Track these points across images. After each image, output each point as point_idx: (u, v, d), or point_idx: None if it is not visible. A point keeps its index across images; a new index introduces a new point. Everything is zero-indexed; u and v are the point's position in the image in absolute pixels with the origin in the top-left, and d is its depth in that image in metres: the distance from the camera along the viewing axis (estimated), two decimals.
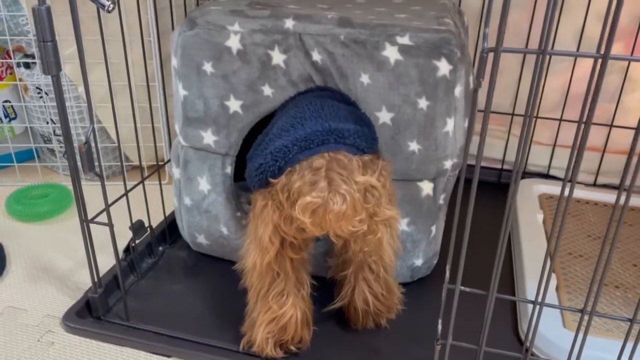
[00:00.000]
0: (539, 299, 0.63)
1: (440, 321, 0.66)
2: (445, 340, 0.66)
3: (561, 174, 1.28)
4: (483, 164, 1.31)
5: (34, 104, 1.22)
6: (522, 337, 0.82)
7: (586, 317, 0.62)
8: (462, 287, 0.63)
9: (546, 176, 1.28)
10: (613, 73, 1.14)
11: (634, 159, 0.54)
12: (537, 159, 1.27)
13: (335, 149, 0.67)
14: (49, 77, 0.69)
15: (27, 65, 1.18)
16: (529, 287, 0.89)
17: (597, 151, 1.22)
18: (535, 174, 1.28)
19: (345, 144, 0.68)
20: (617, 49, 1.13)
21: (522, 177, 1.25)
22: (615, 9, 0.45)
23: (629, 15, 1.10)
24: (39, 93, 1.19)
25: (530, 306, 0.83)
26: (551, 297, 0.86)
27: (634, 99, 1.17)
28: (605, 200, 1.17)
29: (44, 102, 1.20)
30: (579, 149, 0.53)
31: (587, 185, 1.23)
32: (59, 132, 1.23)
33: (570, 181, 0.57)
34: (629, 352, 0.62)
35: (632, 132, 1.19)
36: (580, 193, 1.20)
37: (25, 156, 1.30)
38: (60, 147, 1.26)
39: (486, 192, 1.05)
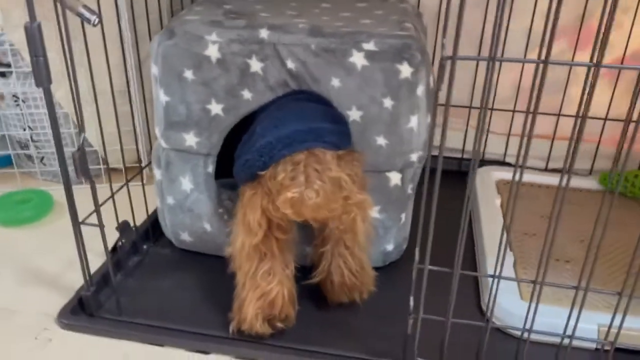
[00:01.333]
0: (497, 274, 0.72)
1: (412, 297, 0.75)
2: (417, 315, 0.74)
3: (515, 161, 1.39)
4: (445, 154, 1.40)
5: (10, 112, 1.24)
6: (484, 309, 0.91)
7: (538, 288, 0.72)
8: (430, 266, 0.71)
9: (502, 163, 1.38)
10: (560, 67, 1.25)
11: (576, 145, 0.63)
12: (494, 147, 1.38)
13: (313, 146, 0.75)
14: (25, 85, 0.73)
15: (2, 74, 1.20)
16: (489, 264, 0.98)
17: (547, 138, 1.33)
18: (492, 162, 1.38)
19: (322, 141, 0.77)
20: (560, 45, 1.24)
21: (481, 165, 1.35)
22: (553, 16, 0.53)
23: (573, 13, 1.20)
24: (15, 101, 1.22)
25: (490, 280, 0.92)
26: (509, 272, 0.96)
27: (578, 90, 1.28)
28: (556, 183, 1.28)
29: (21, 110, 1.22)
30: (528, 137, 0.61)
31: (539, 170, 1.34)
32: (36, 138, 1.26)
33: (520, 166, 0.66)
34: (575, 317, 0.72)
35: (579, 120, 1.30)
36: (533, 177, 1.31)
37: (3, 162, 1.32)
38: (38, 152, 1.28)
39: (449, 180, 1.14)
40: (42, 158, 1.29)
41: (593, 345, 0.82)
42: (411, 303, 0.75)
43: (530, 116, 0.61)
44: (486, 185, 1.27)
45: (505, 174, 1.31)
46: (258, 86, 0.87)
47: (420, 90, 0.87)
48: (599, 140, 1.30)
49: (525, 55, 1.26)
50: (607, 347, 0.75)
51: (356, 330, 0.88)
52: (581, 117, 0.60)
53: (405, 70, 0.85)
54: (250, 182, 0.79)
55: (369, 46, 0.85)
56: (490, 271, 0.94)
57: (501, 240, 0.71)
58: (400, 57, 0.84)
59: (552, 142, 1.33)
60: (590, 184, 1.29)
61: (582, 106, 0.60)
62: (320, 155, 0.75)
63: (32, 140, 1.26)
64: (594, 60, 0.58)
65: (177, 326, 0.87)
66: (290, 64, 0.86)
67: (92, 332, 0.87)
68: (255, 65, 0.86)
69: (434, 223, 0.67)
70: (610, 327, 0.72)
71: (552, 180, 1.29)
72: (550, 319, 0.81)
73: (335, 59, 0.85)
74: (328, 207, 0.75)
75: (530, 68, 1.28)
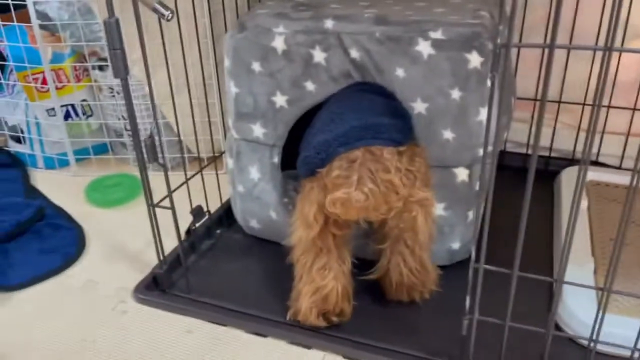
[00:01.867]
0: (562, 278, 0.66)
1: (467, 298, 0.71)
2: (472, 315, 0.71)
3: (609, 161, 1.27)
4: (524, 150, 1.32)
5: (108, 102, 1.35)
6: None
7: (606, 295, 0.66)
8: (486, 266, 0.68)
9: (594, 163, 1.27)
10: None
11: None
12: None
13: (371, 143, 0.74)
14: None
15: (100, 68, 1.32)
16: (567, 270, 0.91)
17: None
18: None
19: (380, 138, 0.75)
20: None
21: (570, 164, 1.26)
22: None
23: None
24: (111, 92, 1.33)
25: (565, 288, 0.86)
26: (588, 279, 0.88)
27: None
28: None
29: (116, 101, 1.33)
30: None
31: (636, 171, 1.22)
32: (129, 127, 1.36)
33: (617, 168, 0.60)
34: None
35: None
36: (628, 180, 1.19)
37: (101, 149, 1.45)
38: (131, 141, 1.39)
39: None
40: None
41: None
42: (467, 303, 0.71)
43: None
44: (573, 186, 1.17)
45: (596, 175, 1.20)
46: (321, 77, 0.88)
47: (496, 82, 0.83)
48: None
49: (620, 54, 1.14)
50: None
51: (414, 327, 0.86)
52: None
53: (475, 59, 0.81)
54: (310, 176, 0.80)
55: (437, 34, 0.82)
56: (567, 277, 0.88)
57: (565, 242, 0.65)
58: (469, 45, 0.81)
59: None
60: None
61: None
62: (377, 153, 0.74)
63: (126, 129, 1.37)
64: None
65: (240, 308, 0.90)
66: (354, 53, 0.85)
67: (163, 307, 0.93)
68: (319, 55, 0.87)
69: (504, 223, 0.64)
70: None
71: None
72: (627, 332, 0.74)
73: (399, 47, 0.83)
74: (378, 210, 0.74)
75: (627, 60, 1.17)
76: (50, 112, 1.36)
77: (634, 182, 0.59)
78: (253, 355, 0.82)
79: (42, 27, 1.27)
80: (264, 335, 0.86)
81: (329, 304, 0.83)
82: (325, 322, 0.84)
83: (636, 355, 0.67)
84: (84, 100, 1.39)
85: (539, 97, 1.25)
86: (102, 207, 1.25)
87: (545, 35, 1.18)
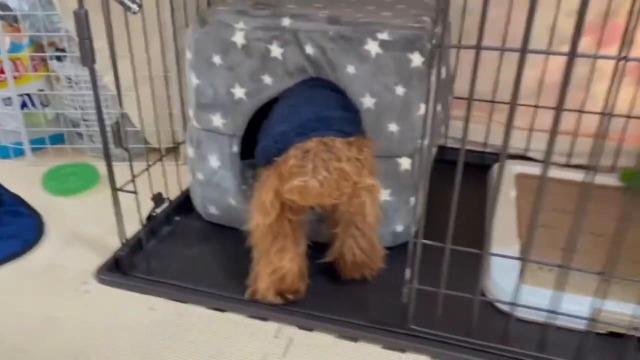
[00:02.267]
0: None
1: (407, 269, 0.81)
2: (411, 284, 0.80)
3: (538, 156, 1.41)
4: (467, 147, 1.44)
5: (65, 92, 1.37)
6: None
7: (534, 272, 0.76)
8: (424, 240, 0.77)
9: (524, 158, 1.41)
10: (583, 64, 1.26)
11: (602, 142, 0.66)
12: (515, 142, 1.40)
13: (323, 134, 0.82)
14: (77, 69, 0.83)
15: (58, 58, 1.34)
16: (495, 249, 1.02)
17: (570, 134, 1.34)
18: (513, 156, 1.41)
19: (332, 129, 0.83)
20: (585, 42, 1.25)
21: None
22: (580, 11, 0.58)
23: (597, 10, 1.22)
24: (69, 83, 1.35)
25: (493, 263, 0.97)
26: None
27: (601, 87, 1.29)
28: (576, 179, 1.30)
29: (73, 91, 1.35)
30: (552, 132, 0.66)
31: (560, 165, 1.36)
32: (86, 117, 1.38)
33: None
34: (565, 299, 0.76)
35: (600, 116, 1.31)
36: (554, 173, 1.32)
37: (57, 139, 1.46)
38: (88, 130, 1.41)
39: (469, 172, 1.19)
40: (92, 136, 1.42)
41: (580, 326, 0.85)
42: (407, 274, 0.81)
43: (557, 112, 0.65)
44: (505, 178, 1.30)
45: (525, 168, 1.33)
46: (278, 71, 0.95)
47: (431, 79, 0.92)
48: (623, 138, 1.30)
49: (547, 57, 1.28)
50: (592, 329, 0.79)
51: (362, 301, 0.95)
52: (608, 115, 0.64)
53: (417, 59, 0.90)
54: (267, 165, 0.86)
55: (384, 36, 0.91)
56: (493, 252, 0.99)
57: (489, 219, 0.75)
58: (412, 46, 0.90)
59: (575, 138, 1.34)
60: (610, 180, 1.30)
61: (609, 103, 0.63)
62: (330, 143, 0.81)
63: (83, 120, 1.39)
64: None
65: (199, 287, 0.96)
66: (309, 49, 0.93)
67: (124, 287, 0.97)
68: (276, 50, 0.94)
69: (443, 209, 0.73)
70: (596, 309, 0.76)
71: (573, 175, 1.31)
72: (544, 301, 0.85)
73: (351, 46, 0.91)
74: (331, 195, 0.81)
75: (553, 64, 1.30)
76: (7, 101, 1.36)
77: (545, 173, 0.69)
78: (214, 328, 0.88)
79: (1, 17, 1.28)
80: (223, 310, 0.92)
81: (285, 283, 0.90)
82: (282, 300, 0.91)
83: (550, 320, 0.78)
84: (41, 90, 1.40)
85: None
86: (59, 196, 1.27)
87: (478, 41, 1.29)
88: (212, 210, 1.12)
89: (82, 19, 0.80)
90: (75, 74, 1.32)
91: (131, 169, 0.92)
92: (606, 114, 0.61)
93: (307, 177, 0.78)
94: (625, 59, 0.61)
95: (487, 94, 1.37)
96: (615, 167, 1.34)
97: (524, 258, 0.76)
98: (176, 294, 0.95)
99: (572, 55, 0.62)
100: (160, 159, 1.07)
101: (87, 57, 0.83)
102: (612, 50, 1.25)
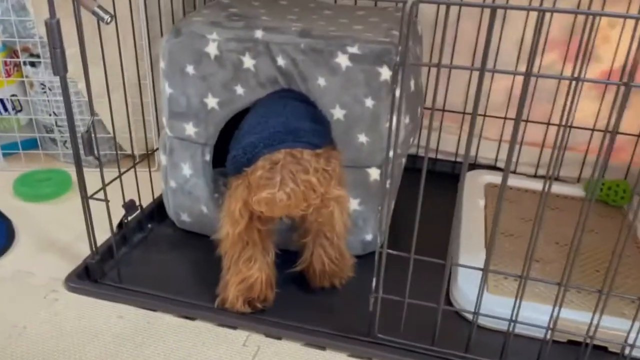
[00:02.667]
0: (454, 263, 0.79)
1: (374, 279, 0.82)
2: (377, 294, 0.82)
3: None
4: (439, 156, 1.47)
5: (39, 98, 1.36)
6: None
7: (498, 282, 0.78)
8: (389, 250, 0.79)
9: (493, 167, 1.44)
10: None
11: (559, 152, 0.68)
12: (486, 152, 1.44)
13: (292, 146, 0.83)
14: (51, 74, 0.83)
15: (32, 64, 1.33)
16: (462, 258, 1.05)
17: (537, 146, 1.38)
18: (484, 166, 1.44)
19: (300, 141, 0.84)
20: (551, 57, 1.29)
21: (472, 169, 1.41)
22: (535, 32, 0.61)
23: (564, 26, 1.26)
24: (42, 88, 1.34)
25: (459, 273, 0.99)
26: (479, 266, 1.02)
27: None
28: (541, 188, 1.34)
29: (47, 97, 1.35)
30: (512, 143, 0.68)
31: (527, 175, 1.39)
32: (60, 123, 1.38)
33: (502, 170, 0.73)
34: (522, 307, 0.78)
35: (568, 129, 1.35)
36: (520, 183, 1.36)
37: (30, 144, 1.45)
38: (61, 136, 1.40)
39: (442, 182, 1.22)
40: (65, 142, 1.42)
41: (541, 334, 0.87)
42: (373, 284, 0.82)
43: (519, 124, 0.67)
44: (474, 187, 1.33)
45: (494, 178, 1.36)
46: (250, 82, 0.96)
47: (399, 92, 0.94)
48: (587, 150, 1.35)
49: (516, 67, 1.31)
50: (550, 337, 0.81)
51: (331, 309, 0.96)
52: (564, 126, 0.66)
53: (385, 72, 0.93)
54: (237, 174, 0.87)
55: (354, 49, 0.93)
56: (461, 261, 1.01)
57: (454, 229, 0.77)
58: (380, 60, 0.92)
59: (541, 149, 1.38)
60: (575, 191, 1.34)
61: (565, 117, 0.65)
62: (298, 155, 0.83)
63: (57, 125, 1.39)
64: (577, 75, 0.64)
65: (170, 295, 0.96)
66: (281, 61, 0.95)
67: (94, 295, 0.97)
68: (248, 61, 0.95)
69: (413, 217, 0.75)
70: (551, 317, 0.78)
71: (539, 185, 1.34)
72: (507, 310, 0.87)
73: (321, 58, 0.93)
74: (298, 207, 0.82)
75: (521, 78, 1.34)
76: None
77: (504, 182, 0.72)
78: (183, 336, 0.89)
79: None
80: (193, 319, 0.93)
81: (254, 292, 0.91)
82: (251, 309, 0.92)
83: (511, 327, 0.80)
84: (13, 95, 1.39)
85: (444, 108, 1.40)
86: (31, 202, 1.26)
87: (452, 55, 1.33)
88: (185, 217, 1.13)
89: (54, 29, 0.80)
90: (49, 80, 1.32)
91: (102, 177, 0.92)
92: (564, 126, 0.64)
93: (275, 190, 0.80)
94: (578, 79, 0.63)
95: (458, 105, 1.41)
96: (580, 178, 1.38)
97: (484, 269, 0.78)
98: (146, 302, 0.95)
99: (528, 75, 0.64)
100: (133, 167, 1.07)
101: (59, 67, 0.83)
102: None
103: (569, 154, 1.36)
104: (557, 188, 1.32)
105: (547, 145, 1.37)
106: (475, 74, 1.36)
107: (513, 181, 1.36)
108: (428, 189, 0.73)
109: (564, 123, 0.66)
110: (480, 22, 1.30)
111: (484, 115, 1.38)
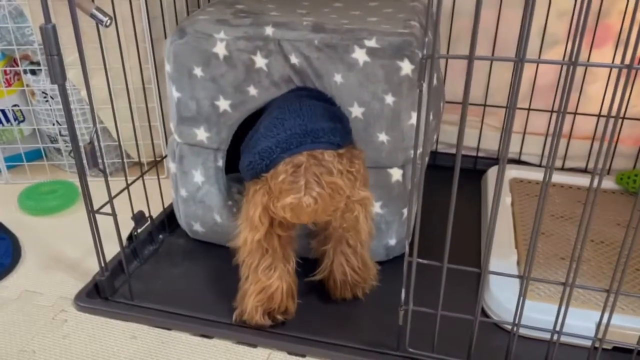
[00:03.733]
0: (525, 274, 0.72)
1: (403, 290, 0.76)
2: (407, 306, 0.76)
3: (531, 160, 1.38)
4: (454, 151, 1.40)
5: (41, 107, 1.31)
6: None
7: (534, 285, 0.72)
8: (419, 259, 0.73)
9: (517, 162, 1.37)
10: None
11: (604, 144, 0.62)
12: (510, 145, 1.37)
13: (311, 148, 0.78)
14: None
15: (33, 72, 1.28)
16: (492, 262, 0.98)
17: (564, 137, 1.31)
18: (508, 160, 1.37)
19: (320, 142, 0.79)
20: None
21: (495, 163, 1.35)
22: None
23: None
24: (45, 97, 1.29)
25: (491, 278, 0.93)
26: (512, 270, 0.96)
27: (594, 89, 1.26)
28: (570, 182, 1.27)
29: (50, 106, 1.30)
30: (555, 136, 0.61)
31: (555, 169, 1.32)
32: (64, 132, 1.33)
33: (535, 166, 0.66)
34: (568, 314, 0.72)
35: (595, 118, 1.28)
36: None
37: (34, 156, 1.40)
38: (66, 146, 1.36)
39: (462, 179, 1.15)
40: (70, 152, 1.36)
41: (588, 343, 0.81)
42: (402, 295, 0.76)
43: (558, 116, 0.61)
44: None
45: (519, 172, 1.29)
46: (263, 82, 0.91)
47: (423, 90, 0.88)
48: (617, 140, 1.28)
49: (539, 55, 1.24)
50: (597, 345, 0.75)
51: (355, 322, 0.90)
52: (614, 117, 0.59)
53: (406, 67, 0.86)
54: (255, 179, 0.82)
55: (371, 43, 0.87)
56: (492, 268, 0.95)
57: (488, 237, 0.71)
58: (401, 54, 0.86)
59: (569, 140, 1.31)
60: (607, 183, 1.26)
61: (614, 107, 0.58)
62: (319, 157, 0.77)
63: (61, 135, 1.34)
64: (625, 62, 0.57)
65: (185, 311, 0.91)
66: (294, 59, 0.89)
67: (105, 314, 0.92)
68: (260, 61, 0.89)
69: (436, 218, 0.69)
70: (599, 324, 0.72)
71: (568, 179, 1.28)
72: (547, 317, 0.81)
73: (337, 54, 0.87)
74: (326, 212, 0.77)
75: (546, 66, 1.27)
76: None
77: (547, 178, 0.65)
78: (199, 357, 0.84)
79: None
80: (210, 337, 0.87)
81: (274, 302, 0.85)
82: (271, 321, 0.86)
83: (555, 337, 0.74)
84: (15, 105, 1.34)
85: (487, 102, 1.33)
86: (37, 216, 1.22)
87: (494, 48, 1.26)
88: (197, 227, 1.07)
89: (49, 35, 0.74)
90: (51, 88, 1.27)
91: (108, 190, 0.87)
92: (611, 117, 0.57)
93: (301, 194, 0.75)
94: (630, 67, 0.57)
95: (478, 97, 1.34)
96: (611, 170, 1.31)
97: (525, 277, 0.72)
98: (159, 320, 0.90)
99: (573, 64, 0.58)
100: (141, 176, 1.02)
101: (57, 75, 0.77)
102: (604, 51, 1.22)
103: (597, 144, 1.29)
104: (586, 181, 1.25)
105: (575, 136, 1.30)
106: (496, 65, 1.29)
107: (538, 175, 1.29)
108: (449, 186, 0.67)
109: (613, 114, 0.59)
110: (500, 11, 1.23)
111: (507, 107, 1.31)
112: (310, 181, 0.75)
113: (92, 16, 0.79)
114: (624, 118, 1.24)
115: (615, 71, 1.21)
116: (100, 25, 0.81)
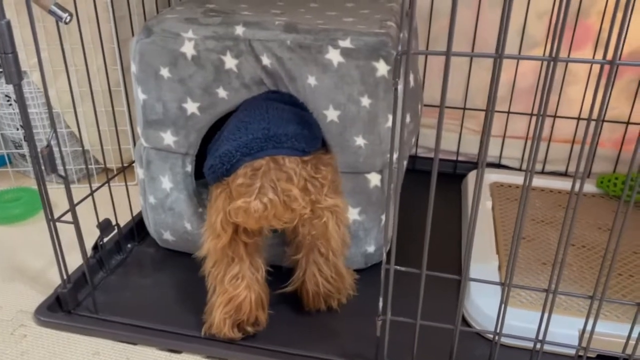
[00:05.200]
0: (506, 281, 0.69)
1: (381, 299, 0.73)
2: (385, 316, 0.73)
3: (511, 163, 1.36)
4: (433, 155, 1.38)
5: (4, 111, 1.25)
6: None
7: (516, 292, 0.69)
8: (396, 267, 0.69)
9: (498, 165, 1.35)
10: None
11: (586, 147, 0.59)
12: (489, 149, 1.35)
13: (273, 153, 0.74)
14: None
15: None
16: (473, 268, 0.95)
17: (544, 140, 1.30)
18: (488, 164, 1.36)
19: (282, 147, 0.75)
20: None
21: (476, 168, 1.32)
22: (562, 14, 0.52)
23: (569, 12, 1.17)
24: (8, 101, 1.23)
25: (471, 285, 0.90)
26: (493, 276, 0.93)
27: (574, 91, 1.25)
28: (551, 186, 1.25)
29: (14, 109, 1.24)
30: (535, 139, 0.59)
31: (536, 172, 1.31)
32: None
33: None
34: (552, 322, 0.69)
35: (574, 121, 1.27)
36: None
37: None
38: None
39: (440, 183, 1.12)
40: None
41: (572, 352, 0.79)
42: (380, 304, 0.73)
43: (538, 118, 0.58)
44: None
45: (499, 177, 1.28)
46: (233, 84, 0.87)
47: (399, 88, 0.85)
48: (597, 142, 1.26)
49: (518, 60, 1.23)
50: (581, 353, 0.72)
51: (332, 332, 0.86)
52: (595, 120, 0.57)
53: (382, 67, 0.83)
54: (218, 183, 0.78)
55: (345, 43, 0.83)
56: (473, 274, 0.92)
57: (468, 242, 0.68)
58: (376, 54, 0.83)
59: (549, 144, 1.29)
60: (588, 187, 1.25)
61: (595, 108, 0.56)
62: (281, 162, 0.74)
63: (25, 140, 1.28)
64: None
65: (152, 325, 0.86)
66: (266, 60, 0.85)
67: (67, 329, 0.87)
68: (230, 62, 0.85)
69: (415, 223, 0.66)
70: (583, 332, 0.70)
71: (548, 183, 1.26)
72: (529, 324, 0.79)
73: (310, 55, 0.84)
74: (279, 218, 0.74)
75: (526, 68, 1.25)
76: None
77: (527, 182, 0.63)
78: None
79: None
80: (178, 352, 0.83)
81: (242, 313, 0.81)
82: (241, 333, 0.82)
83: (538, 346, 0.71)
84: None
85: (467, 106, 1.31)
86: None
87: (473, 46, 1.24)
88: (167, 236, 1.03)
89: (4, 32, 0.70)
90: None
91: (69, 196, 0.82)
92: (592, 120, 0.54)
93: (251, 198, 0.72)
94: (612, 63, 0.54)
95: (457, 101, 1.32)
96: (591, 173, 1.30)
97: (506, 284, 0.69)
98: (125, 335, 0.85)
99: (554, 59, 0.55)
100: (107, 182, 0.97)
101: (13, 74, 0.73)
102: (584, 53, 1.21)
103: (577, 147, 1.28)
104: (567, 184, 1.23)
105: (555, 139, 1.29)
106: (476, 67, 1.27)
107: (519, 179, 1.27)
108: (428, 191, 0.64)
109: (594, 115, 0.56)
110: (479, 12, 1.21)
111: (486, 110, 1.29)
112: (265, 186, 0.72)
113: (51, 12, 0.75)
114: (604, 121, 1.23)
115: (595, 72, 1.20)
116: (60, 23, 0.76)
